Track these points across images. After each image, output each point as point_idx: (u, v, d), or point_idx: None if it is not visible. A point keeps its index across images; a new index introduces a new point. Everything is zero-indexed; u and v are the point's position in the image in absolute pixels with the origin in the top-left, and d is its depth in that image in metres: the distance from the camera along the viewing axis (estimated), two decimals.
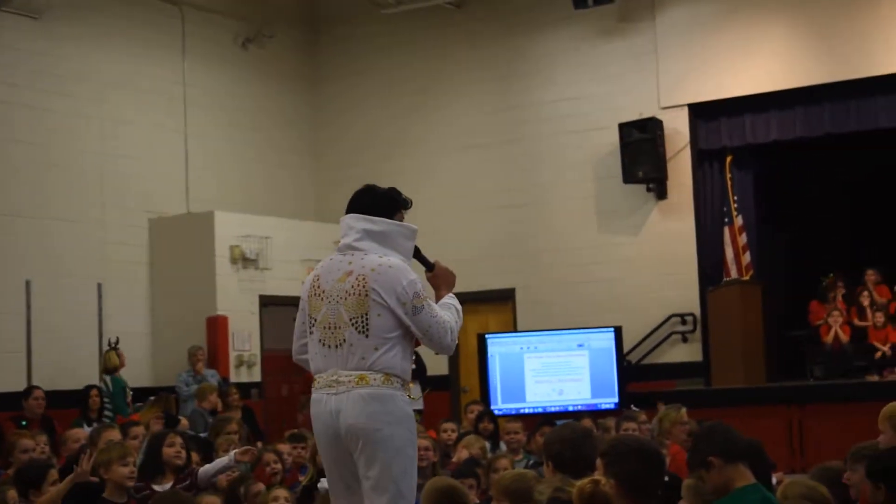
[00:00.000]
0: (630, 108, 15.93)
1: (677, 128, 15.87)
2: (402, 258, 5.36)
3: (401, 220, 5.45)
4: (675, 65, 15.96)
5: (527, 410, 14.25)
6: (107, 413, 13.26)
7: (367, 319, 5.19)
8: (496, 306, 16.48)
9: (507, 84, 17.17)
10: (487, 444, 9.83)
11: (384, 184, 5.56)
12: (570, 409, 14.19)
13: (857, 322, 15.28)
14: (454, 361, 16.36)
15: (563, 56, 16.80)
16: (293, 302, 19.62)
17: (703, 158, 16.07)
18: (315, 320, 5.33)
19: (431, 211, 15.40)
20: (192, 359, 14.62)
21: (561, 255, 16.45)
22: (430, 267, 5.60)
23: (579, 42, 16.66)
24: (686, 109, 15.91)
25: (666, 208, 15.97)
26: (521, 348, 14.84)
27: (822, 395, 14.20)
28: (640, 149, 15.65)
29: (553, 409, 14.23)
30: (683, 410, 9.44)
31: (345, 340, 5.21)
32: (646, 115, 15.76)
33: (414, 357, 5.51)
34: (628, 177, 15.82)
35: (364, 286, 5.21)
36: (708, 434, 5.00)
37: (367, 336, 5.19)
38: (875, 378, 14.57)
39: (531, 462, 8.74)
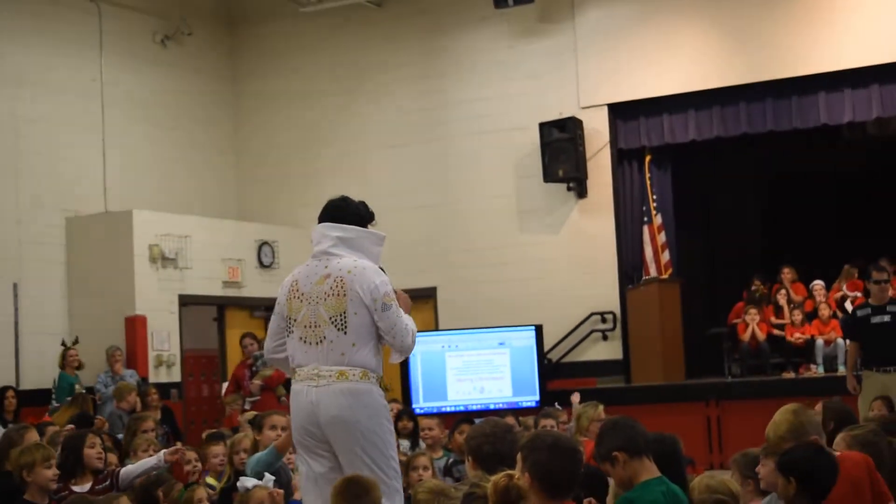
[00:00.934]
0: (550, 107, 16.02)
1: (597, 127, 15.99)
2: (372, 262, 5.91)
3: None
4: (595, 65, 16.07)
5: (448, 409, 14.25)
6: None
7: (345, 317, 5.73)
8: (417, 305, 16.18)
9: (427, 83, 17.17)
10: (407, 443, 9.82)
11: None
12: (492, 407, 14.22)
13: (773, 320, 15.46)
14: None
15: (483, 55, 16.85)
16: (213, 301, 19.19)
17: (623, 158, 16.21)
18: (295, 320, 5.87)
19: None
20: (110, 359, 14.45)
21: (482, 253, 16.49)
22: None
23: (499, 41, 16.72)
24: (605, 109, 16.04)
25: (586, 207, 16.07)
26: (443, 347, 14.85)
27: (740, 392, 14.37)
28: (561, 148, 15.74)
29: (475, 408, 14.27)
30: (601, 408, 9.49)
31: (325, 338, 5.75)
32: (566, 114, 15.86)
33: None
34: (548, 176, 15.90)
35: (342, 286, 5.76)
36: (612, 429, 5.03)
37: (345, 333, 5.73)
38: (791, 375, 14.78)
39: (451, 460, 8.74)
